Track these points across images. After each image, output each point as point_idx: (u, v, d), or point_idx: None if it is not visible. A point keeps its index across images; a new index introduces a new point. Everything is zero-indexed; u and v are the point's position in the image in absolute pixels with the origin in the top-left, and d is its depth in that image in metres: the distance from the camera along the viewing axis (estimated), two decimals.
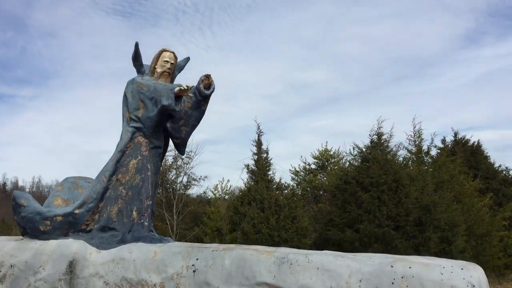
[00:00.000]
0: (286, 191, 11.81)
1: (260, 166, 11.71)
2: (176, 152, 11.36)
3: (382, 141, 12.13)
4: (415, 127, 13.65)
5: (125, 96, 4.67)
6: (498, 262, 12.26)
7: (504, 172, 15.89)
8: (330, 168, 18.23)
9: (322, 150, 18.78)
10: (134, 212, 4.32)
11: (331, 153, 18.63)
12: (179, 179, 12.42)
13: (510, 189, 15.35)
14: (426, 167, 12.27)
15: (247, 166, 11.89)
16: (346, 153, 21.04)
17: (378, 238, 10.70)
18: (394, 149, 12.25)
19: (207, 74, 4.47)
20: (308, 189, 17.58)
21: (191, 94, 4.46)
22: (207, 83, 4.49)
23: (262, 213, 10.97)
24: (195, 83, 4.45)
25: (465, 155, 15.21)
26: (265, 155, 11.89)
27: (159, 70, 4.73)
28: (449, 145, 15.80)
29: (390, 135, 12.18)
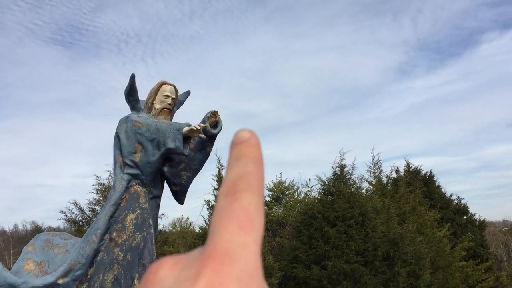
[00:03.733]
0: None
1: None
2: None
3: (345, 173, 11.93)
4: (374, 158, 13.64)
5: (117, 137, 3.90)
6: None
7: (456, 202, 16.23)
8: (286, 201, 17.88)
9: (276, 182, 18.41)
10: (135, 281, 3.41)
11: (286, 185, 18.29)
12: None
13: (463, 218, 15.65)
14: (387, 199, 12.15)
15: (208, 202, 11.23)
16: (302, 184, 20.87)
17: (347, 275, 10.34)
18: (357, 181, 12.07)
19: (214, 111, 3.87)
20: None
21: (203, 136, 3.79)
22: (213, 121, 3.87)
23: None
24: (194, 122, 3.79)
25: (419, 185, 15.38)
26: None
27: (158, 106, 4.03)
28: (402, 175, 15.93)
29: (353, 167, 12.02)
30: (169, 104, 4.05)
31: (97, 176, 10.75)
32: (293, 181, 18.57)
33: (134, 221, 3.62)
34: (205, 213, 14.63)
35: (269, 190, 18.18)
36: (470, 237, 13.74)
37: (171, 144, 3.62)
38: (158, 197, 4.00)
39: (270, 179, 19.36)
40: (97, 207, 10.59)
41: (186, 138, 3.68)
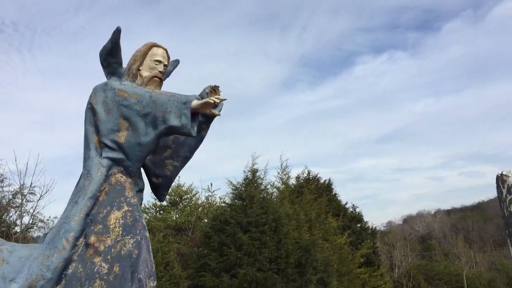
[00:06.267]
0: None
1: None
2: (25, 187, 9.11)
3: (256, 178, 11.60)
4: (282, 165, 13.54)
5: (90, 109, 2.97)
6: None
7: (351, 210, 16.83)
8: (183, 205, 17.11)
9: (174, 186, 17.54)
10: None
11: (185, 189, 17.51)
12: (20, 220, 9.94)
13: (357, 226, 16.27)
14: (295, 205, 12.08)
15: None
16: (203, 189, 20.24)
17: (259, 283, 9.94)
18: (269, 187, 11.82)
19: (215, 86, 3.06)
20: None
21: (217, 113, 2.94)
22: None
23: None
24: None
25: (318, 192, 15.67)
26: None
27: (146, 73, 3.12)
28: (302, 182, 16.11)
29: (265, 172, 11.75)
30: (160, 72, 3.17)
31: None
32: (191, 185, 17.87)
33: (121, 221, 2.68)
34: None
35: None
36: (368, 244, 14.29)
37: (174, 121, 2.73)
38: (142, 191, 3.10)
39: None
40: None
41: (193, 115, 2.82)
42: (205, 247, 10.98)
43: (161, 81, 3.20)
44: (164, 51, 3.24)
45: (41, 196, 9.77)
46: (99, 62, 3.09)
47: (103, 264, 2.59)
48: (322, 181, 16.79)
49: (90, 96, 3.01)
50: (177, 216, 16.51)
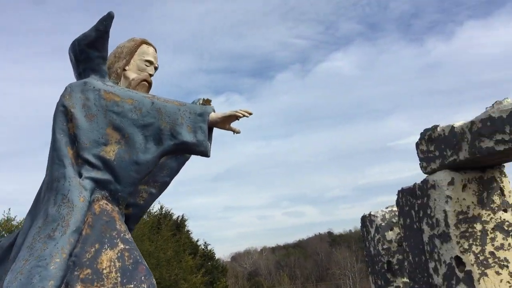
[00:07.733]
0: None
1: None
2: None
3: None
4: None
5: (64, 113, 2.15)
6: None
7: (203, 247, 16.50)
8: None
9: (2, 220, 15.12)
10: None
11: (14, 222, 15.22)
12: None
13: (209, 264, 16.01)
14: (153, 242, 11.38)
15: None
16: None
17: None
18: None
19: (208, 99, 2.51)
20: None
21: (237, 130, 2.34)
22: None
23: None
24: None
25: (172, 229, 15.11)
26: None
27: (133, 75, 2.42)
28: (158, 217, 15.43)
29: None
30: (151, 75, 2.49)
31: None
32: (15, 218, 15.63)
33: (117, 264, 1.92)
34: None
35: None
36: (223, 283, 14.06)
37: (187, 136, 2.13)
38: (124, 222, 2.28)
39: None
40: None
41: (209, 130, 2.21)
42: None
43: (150, 86, 2.52)
44: (155, 50, 2.57)
45: None
46: (71, 55, 2.27)
47: None
48: (175, 217, 16.23)
49: (63, 96, 2.20)
50: None
